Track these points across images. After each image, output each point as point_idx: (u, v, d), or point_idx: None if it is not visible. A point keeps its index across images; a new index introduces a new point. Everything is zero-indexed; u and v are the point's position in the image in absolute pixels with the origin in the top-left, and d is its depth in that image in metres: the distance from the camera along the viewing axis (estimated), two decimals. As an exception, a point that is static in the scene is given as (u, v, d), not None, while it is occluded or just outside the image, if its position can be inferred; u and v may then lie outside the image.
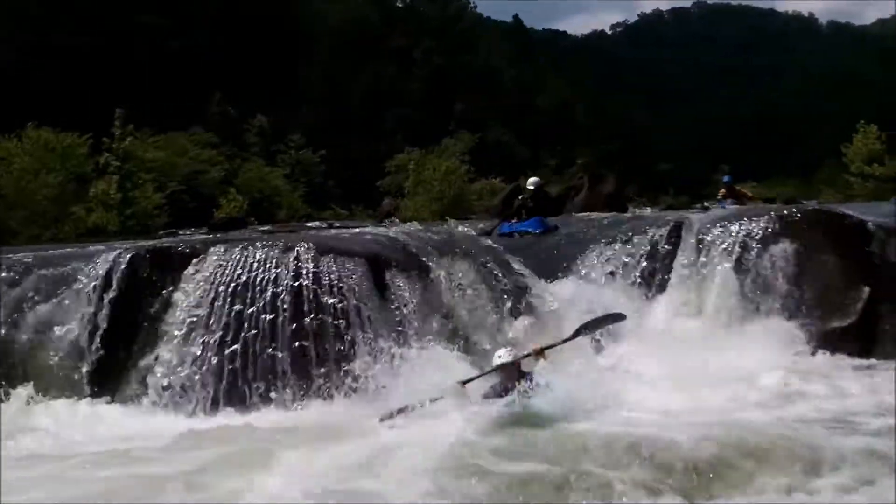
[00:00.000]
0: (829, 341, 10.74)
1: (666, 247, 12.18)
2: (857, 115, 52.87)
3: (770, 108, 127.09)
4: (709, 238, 11.95)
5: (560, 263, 12.41)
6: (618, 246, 12.50)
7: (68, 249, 12.82)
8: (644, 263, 12.02)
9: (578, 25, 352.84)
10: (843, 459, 6.48)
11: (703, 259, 11.82)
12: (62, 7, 53.84)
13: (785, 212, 12.33)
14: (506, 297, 11.24)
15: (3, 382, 10.21)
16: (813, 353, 10.59)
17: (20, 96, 43.68)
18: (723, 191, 21.42)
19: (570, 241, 13.11)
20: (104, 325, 10.44)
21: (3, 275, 11.22)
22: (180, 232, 25.65)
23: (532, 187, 17.04)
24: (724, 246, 11.78)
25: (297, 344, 9.80)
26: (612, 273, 12.07)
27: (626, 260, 12.17)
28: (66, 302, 10.79)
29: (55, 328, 10.62)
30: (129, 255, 10.96)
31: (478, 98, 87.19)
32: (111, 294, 10.62)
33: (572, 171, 50.98)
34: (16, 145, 33.54)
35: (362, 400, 9.41)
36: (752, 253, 11.59)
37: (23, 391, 10.14)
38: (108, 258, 11.00)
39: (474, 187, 45.82)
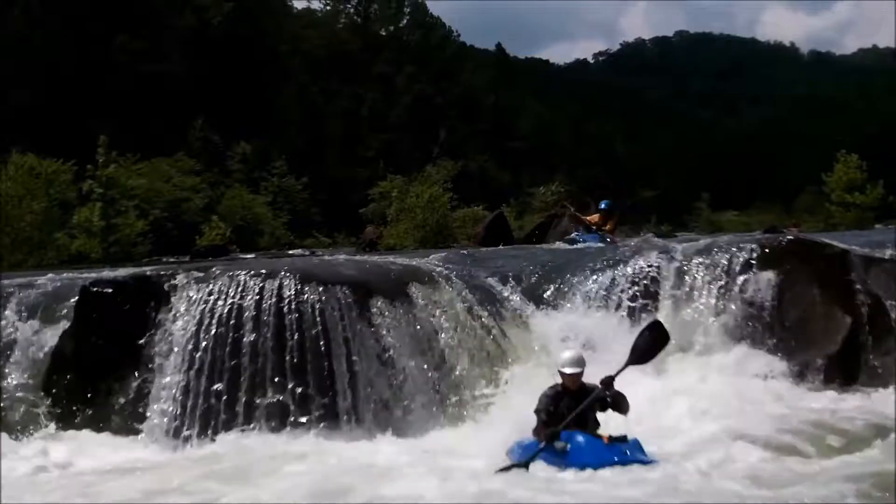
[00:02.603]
0: (811, 371, 10.78)
1: (650, 275, 12.21)
2: (836, 143, 53.37)
3: (749, 135, 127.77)
4: (692, 267, 12.01)
5: (545, 292, 12.42)
6: (602, 274, 12.53)
7: (50, 276, 12.74)
8: (629, 292, 12.04)
9: (561, 54, 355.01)
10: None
11: (686, 288, 11.87)
12: (39, 28, 53.79)
13: (767, 241, 12.42)
14: (492, 325, 11.28)
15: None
16: (795, 383, 10.65)
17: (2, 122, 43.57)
18: (595, 217, 19.55)
19: (552, 270, 13.10)
20: (85, 355, 10.38)
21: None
22: (163, 259, 25.57)
23: None
24: (707, 275, 11.84)
25: (279, 371, 9.77)
26: (596, 302, 12.07)
27: (611, 288, 12.18)
28: (49, 329, 10.75)
29: (37, 356, 10.57)
30: (111, 283, 10.92)
31: (460, 125, 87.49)
32: (93, 322, 10.58)
33: (555, 199, 51.09)
34: (1, 171, 33.43)
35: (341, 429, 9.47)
36: (735, 282, 11.65)
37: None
38: (92, 285, 10.95)
39: (457, 215, 45.82)
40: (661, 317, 11.56)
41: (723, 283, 11.73)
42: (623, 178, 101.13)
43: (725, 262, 11.90)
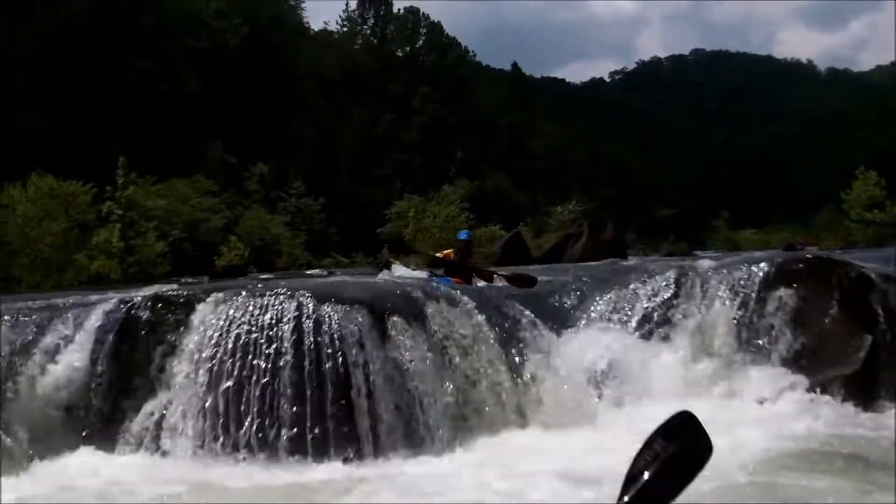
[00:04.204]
0: (831, 390, 10.73)
1: (668, 294, 12.19)
2: (852, 160, 53.19)
3: (764, 152, 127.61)
4: (711, 286, 11.99)
5: (562, 312, 12.42)
6: (619, 293, 12.51)
7: (70, 297, 12.79)
8: (646, 311, 12.03)
9: (577, 73, 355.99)
10: None
11: (704, 307, 11.84)
12: (53, 49, 54.18)
13: (785, 259, 12.40)
14: (510, 348, 11.28)
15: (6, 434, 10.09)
16: (814, 402, 10.59)
17: (19, 143, 43.88)
18: (449, 252, 15.47)
19: (570, 289, 13.10)
20: (105, 374, 10.40)
21: (5, 321, 11.16)
22: (182, 280, 25.65)
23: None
24: (725, 294, 11.81)
25: (297, 392, 9.76)
26: (614, 321, 12.06)
27: (629, 308, 12.17)
28: (66, 351, 10.77)
29: (54, 377, 10.58)
30: (129, 303, 10.97)
31: (476, 145, 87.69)
32: (111, 342, 10.61)
33: (572, 218, 51.10)
34: (20, 192, 33.62)
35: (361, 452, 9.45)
36: (754, 301, 11.62)
37: (20, 443, 10.01)
38: (110, 306, 11.00)
39: (474, 234, 45.88)
40: (679, 334, 11.57)
41: (741, 301, 11.70)
42: (637, 196, 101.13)
43: (743, 280, 11.88)
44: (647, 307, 12.13)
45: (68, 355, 10.64)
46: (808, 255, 14.59)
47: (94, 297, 11.97)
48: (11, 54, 50.54)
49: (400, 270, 15.75)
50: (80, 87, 53.56)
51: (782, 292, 11.55)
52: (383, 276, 15.56)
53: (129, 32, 58.25)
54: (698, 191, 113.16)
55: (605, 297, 12.50)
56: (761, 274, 11.88)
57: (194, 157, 56.22)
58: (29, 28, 52.30)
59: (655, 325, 11.95)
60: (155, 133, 55.01)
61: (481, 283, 14.77)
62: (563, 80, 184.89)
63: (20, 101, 48.85)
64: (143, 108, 56.21)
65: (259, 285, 11.60)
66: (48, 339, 10.85)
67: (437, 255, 16.25)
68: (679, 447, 2.78)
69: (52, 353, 10.71)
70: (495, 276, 14.99)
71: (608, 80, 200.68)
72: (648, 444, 2.98)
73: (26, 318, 11.18)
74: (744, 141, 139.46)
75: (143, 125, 54.66)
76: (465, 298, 11.75)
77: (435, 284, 13.64)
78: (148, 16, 60.64)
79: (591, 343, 11.67)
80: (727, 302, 11.77)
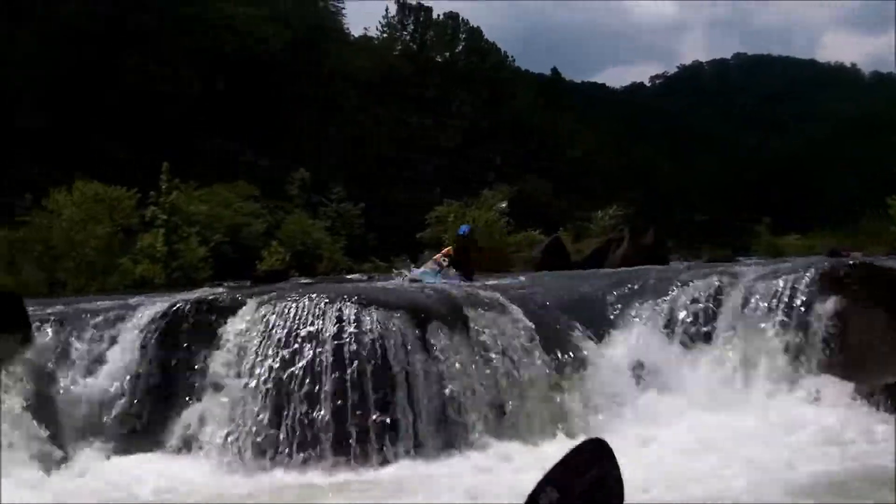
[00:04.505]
0: (875, 397, 10.59)
1: (710, 301, 12.11)
2: (886, 163, 52.46)
3: (796, 156, 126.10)
4: (754, 292, 11.88)
5: (604, 318, 12.37)
6: (661, 300, 12.45)
7: (115, 301, 12.94)
8: (689, 318, 11.94)
9: (618, 78, 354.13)
10: None
11: (748, 314, 11.75)
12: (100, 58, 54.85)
13: (830, 266, 12.26)
14: (551, 352, 11.26)
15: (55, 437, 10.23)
16: (859, 409, 10.47)
17: (68, 151, 44.52)
18: (448, 249, 15.77)
19: (612, 295, 13.04)
20: (149, 377, 10.52)
21: (49, 324, 11.30)
22: (224, 284, 25.82)
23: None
24: (769, 301, 11.70)
25: (338, 397, 9.82)
26: (656, 327, 12.00)
27: (671, 314, 12.09)
28: (111, 354, 10.89)
29: (100, 380, 10.70)
30: (173, 306, 11.08)
31: (515, 149, 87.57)
32: (156, 346, 10.73)
33: (612, 223, 50.84)
34: (65, 197, 33.97)
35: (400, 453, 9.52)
36: (798, 308, 11.51)
37: (66, 445, 10.16)
38: (154, 309, 11.12)
39: (513, 239, 45.75)
40: (720, 342, 11.50)
41: (785, 307, 11.59)
42: (667, 201, 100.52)
43: (787, 287, 11.77)
44: (688, 314, 12.06)
45: (113, 359, 10.78)
46: (852, 262, 14.41)
47: (138, 301, 12.11)
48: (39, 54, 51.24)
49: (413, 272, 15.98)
50: (125, 96, 54.27)
51: (827, 299, 11.43)
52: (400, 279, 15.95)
53: (172, 40, 58.86)
54: (728, 195, 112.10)
55: (646, 304, 12.44)
56: (805, 280, 11.75)
57: (236, 162, 56.67)
58: (30, 28, 52.94)
59: (697, 332, 11.88)
60: (195, 138, 55.59)
61: (492, 281, 15.19)
62: (604, 84, 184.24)
63: (28, 101, 49.51)
64: (184, 114, 56.79)
65: (300, 290, 11.68)
66: (94, 343, 11.00)
67: (439, 259, 15.87)
68: (586, 483, 2.35)
69: (98, 357, 10.86)
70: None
71: (648, 84, 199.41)
72: (549, 480, 2.64)
73: (73, 322, 11.35)
74: (776, 145, 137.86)
75: (184, 131, 55.23)
76: (508, 303, 11.75)
77: (433, 281, 14.36)
78: (188, 23, 61.30)
79: (633, 349, 11.63)
80: (770, 309, 11.66)
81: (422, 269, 15.60)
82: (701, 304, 12.09)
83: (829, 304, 11.35)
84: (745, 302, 11.87)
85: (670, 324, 12.01)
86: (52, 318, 11.45)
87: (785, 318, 11.50)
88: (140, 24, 58.38)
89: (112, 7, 57.44)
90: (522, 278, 17.63)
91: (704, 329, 11.85)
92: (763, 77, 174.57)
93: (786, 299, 11.64)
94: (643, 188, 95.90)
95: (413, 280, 14.96)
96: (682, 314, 12.07)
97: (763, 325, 11.56)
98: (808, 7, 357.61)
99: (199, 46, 61.63)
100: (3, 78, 48.14)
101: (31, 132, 47.07)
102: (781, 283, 11.87)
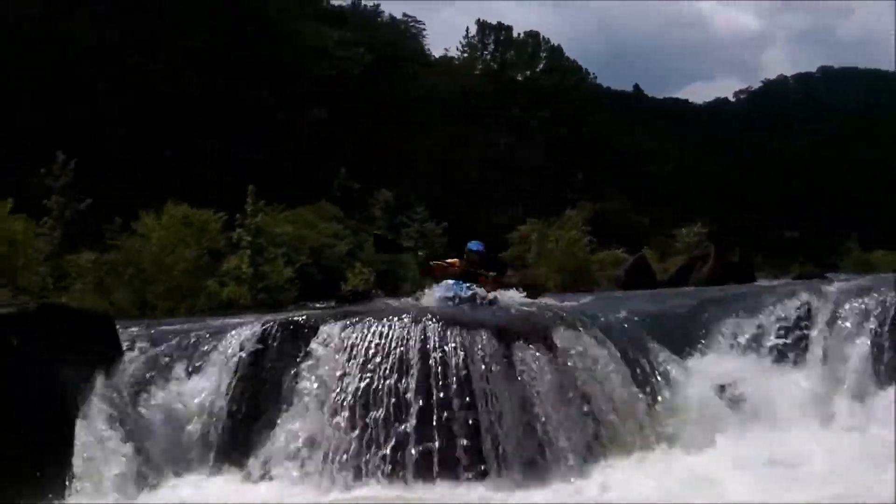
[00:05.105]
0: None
1: (800, 318, 11.86)
2: None
3: (891, 169, 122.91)
4: (845, 310, 11.61)
5: (690, 336, 12.20)
6: (748, 318, 12.23)
7: (203, 322, 13.13)
8: (778, 336, 11.72)
9: (699, 93, 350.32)
10: None
11: (838, 332, 11.49)
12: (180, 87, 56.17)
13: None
14: (638, 372, 11.15)
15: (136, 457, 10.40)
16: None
17: (156, 177, 45.60)
18: (455, 261, 13.93)
19: (699, 314, 12.86)
20: (239, 398, 10.64)
21: (139, 346, 11.51)
22: (309, 305, 26.10)
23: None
24: (861, 318, 11.43)
25: (422, 418, 9.81)
26: (744, 346, 11.80)
27: (759, 333, 11.88)
28: (199, 376, 11.03)
29: (190, 400, 10.85)
30: (261, 328, 11.21)
31: (598, 167, 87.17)
32: (245, 367, 10.86)
33: (697, 241, 50.27)
34: (154, 220, 34.72)
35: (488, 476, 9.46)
36: (888, 325, 11.21)
37: (156, 467, 10.28)
38: (242, 331, 11.25)
39: (597, 258, 45.55)
40: (809, 360, 11.26)
41: (874, 325, 11.29)
42: (760, 217, 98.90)
43: (876, 304, 11.47)
44: (776, 332, 11.84)
45: (201, 380, 10.93)
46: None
47: (226, 323, 12.27)
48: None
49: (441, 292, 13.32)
50: (208, 119, 55.49)
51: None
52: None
53: (255, 62, 60.05)
54: (818, 211, 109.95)
55: (733, 322, 12.24)
56: (893, 297, 11.46)
57: (319, 183, 57.43)
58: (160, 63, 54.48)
59: (785, 351, 11.66)
60: (281, 161, 56.52)
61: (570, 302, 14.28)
62: (686, 100, 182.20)
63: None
64: (269, 136, 57.82)
65: (385, 311, 11.73)
66: (182, 365, 11.18)
67: (444, 263, 14.06)
68: None
69: (187, 379, 11.02)
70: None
71: (732, 99, 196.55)
72: None
73: (162, 344, 11.55)
74: (864, 158, 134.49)
75: (269, 153, 56.21)
76: (591, 323, 11.65)
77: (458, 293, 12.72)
78: (274, 46, 62.46)
79: (720, 368, 11.45)
80: (859, 327, 11.38)
81: (444, 285, 13.28)
82: (789, 322, 11.84)
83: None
84: (835, 319, 11.60)
85: (758, 342, 11.78)
86: (142, 339, 11.64)
87: (876, 336, 11.18)
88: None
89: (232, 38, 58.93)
90: (597, 297, 17.47)
91: (793, 347, 11.61)
92: (850, 91, 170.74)
93: (874, 317, 11.34)
94: (729, 205, 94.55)
95: (447, 298, 12.81)
96: (770, 332, 11.84)
97: (853, 342, 11.26)
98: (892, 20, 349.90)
99: (294, 71, 62.76)
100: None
101: (171, 163, 48.39)
102: (868, 300, 11.56)
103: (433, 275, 14.02)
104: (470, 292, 12.64)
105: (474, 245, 13.99)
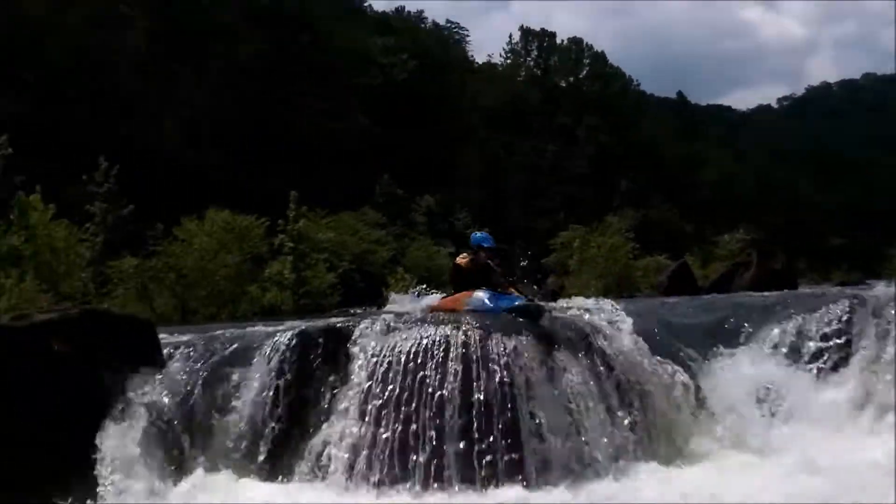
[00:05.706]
0: None
1: (842, 326, 11.75)
2: None
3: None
4: (889, 316, 11.48)
5: (731, 343, 12.11)
6: (788, 324, 12.12)
7: (246, 327, 13.22)
8: (819, 343, 11.60)
9: (743, 100, 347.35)
10: None
11: (877, 340, 11.35)
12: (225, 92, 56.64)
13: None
14: (678, 378, 11.14)
15: (181, 459, 10.53)
16: None
17: (200, 184, 46.04)
18: (465, 258, 12.97)
19: (740, 320, 12.76)
20: (280, 403, 10.71)
21: (181, 352, 11.63)
22: (351, 310, 26.20)
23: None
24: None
25: (464, 422, 9.82)
26: (784, 353, 11.70)
27: (800, 340, 11.77)
28: (243, 380, 11.12)
29: (232, 406, 10.94)
30: (302, 333, 11.28)
31: (641, 174, 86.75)
32: (287, 372, 10.92)
33: (740, 247, 49.89)
34: (197, 226, 34.96)
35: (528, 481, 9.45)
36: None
37: (199, 470, 10.41)
38: (284, 336, 11.33)
39: (639, 264, 45.34)
40: (849, 369, 11.15)
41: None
42: (807, 225, 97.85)
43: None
44: (816, 339, 11.71)
45: (244, 385, 11.02)
46: None
47: (270, 328, 12.35)
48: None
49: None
50: (252, 128, 55.96)
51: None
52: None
53: (299, 70, 60.47)
54: (872, 219, 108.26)
55: (773, 329, 12.12)
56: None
57: (362, 190, 57.67)
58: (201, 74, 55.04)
59: (825, 358, 11.52)
60: (323, 167, 56.84)
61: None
62: (730, 107, 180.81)
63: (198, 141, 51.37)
64: (313, 144, 58.17)
65: (428, 316, 11.76)
66: (225, 370, 11.28)
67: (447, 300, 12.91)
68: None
69: (229, 383, 11.11)
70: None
71: (776, 106, 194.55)
72: None
73: (205, 349, 11.66)
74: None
75: (312, 160, 56.56)
76: (632, 329, 11.60)
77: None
78: (319, 55, 62.84)
79: (760, 374, 11.37)
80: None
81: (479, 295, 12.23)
82: (828, 329, 11.73)
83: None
84: (875, 326, 11.47)
85: (797, 348, 11.69)
86: (184, 345, 11.78)
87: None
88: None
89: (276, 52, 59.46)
90: (638, 302, 17.38)
91: (829, 356, 11.48)
92: (893, 97, 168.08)
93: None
94: (772, 211, 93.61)
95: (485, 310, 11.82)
96: (809, 338, 11.73)
97: (891, 351, 11.13)
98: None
99: (340, 80, 63.11)
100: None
101: (215, 170, 48.86)
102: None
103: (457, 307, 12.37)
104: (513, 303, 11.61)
105: (483, 240, 13.17)
